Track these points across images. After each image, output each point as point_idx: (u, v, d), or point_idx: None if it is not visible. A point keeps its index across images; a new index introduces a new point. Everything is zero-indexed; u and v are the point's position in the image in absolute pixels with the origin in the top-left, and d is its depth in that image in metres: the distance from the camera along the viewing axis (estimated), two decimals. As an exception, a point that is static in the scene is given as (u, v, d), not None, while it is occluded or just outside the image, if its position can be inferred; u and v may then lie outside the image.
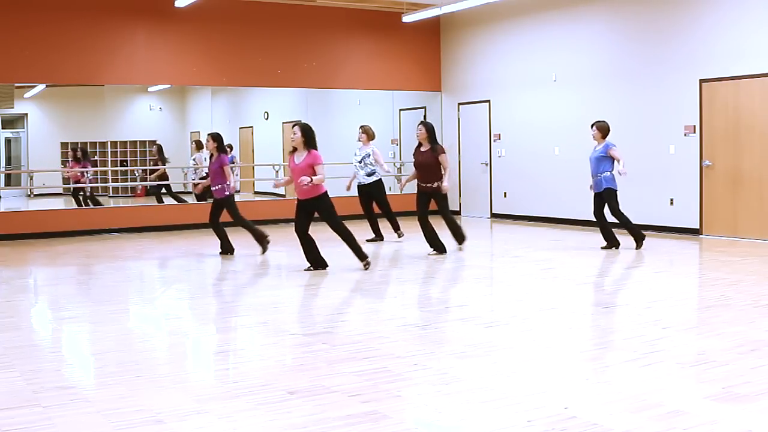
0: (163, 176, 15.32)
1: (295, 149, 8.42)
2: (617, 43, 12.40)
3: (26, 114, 17.51)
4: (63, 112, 17.45)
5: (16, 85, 15.03)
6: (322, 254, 8.62)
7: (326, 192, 8.43)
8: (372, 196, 11.22)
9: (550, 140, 13.51)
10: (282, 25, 14.25)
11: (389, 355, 5.04)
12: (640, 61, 11.99)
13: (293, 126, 8.52)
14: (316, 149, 8.33)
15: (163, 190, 15.33)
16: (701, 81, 11.12)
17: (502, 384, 4.39)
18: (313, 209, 8.43)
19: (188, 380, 4.69)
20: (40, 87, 15.90)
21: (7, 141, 18.28)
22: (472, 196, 15.37)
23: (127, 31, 13.15)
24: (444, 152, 9.71)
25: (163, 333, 6.08)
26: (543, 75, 13.61)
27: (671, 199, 11.64)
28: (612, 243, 9.98)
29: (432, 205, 9.75)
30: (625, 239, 10.10)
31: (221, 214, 10.03)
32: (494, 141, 14.74)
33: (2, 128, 17.96)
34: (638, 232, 10.00)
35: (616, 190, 9.82)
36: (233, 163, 16.48)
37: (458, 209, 15.57)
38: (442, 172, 9.60)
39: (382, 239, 11.25)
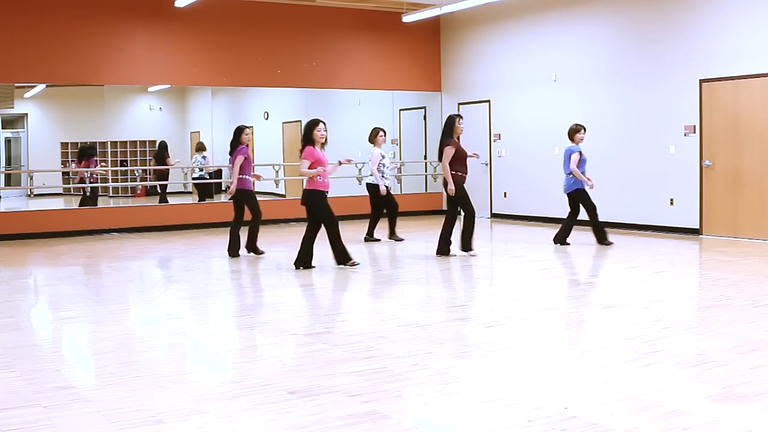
0: (162, 174, 15.35)
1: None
2: (617, 43, 12.40)
3: (26, 114, 17.52)
4: (63, 112, 17.46)
5: (16, 85, 15.03)
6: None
7: None
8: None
9: (550, 140, 13.49)
10: (282, 25, 14.25)
11: (389, 355, 5.04)
12: (640, 61, 11.99)
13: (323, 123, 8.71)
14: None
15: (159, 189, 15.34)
16: (701, 81, 11.12)
17: (502, 384, 4.39)
18: None
19: (188, 380, 4.68)
20: (40, 87, 15.90)
21: (7, 141, 18.29)
22: (472, 196, 15.22)
23: (127, 31, 13.15)
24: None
25: (163, 333, 6.08)
26: (543, 75, 13.61)
27: (671, 199, 11.64)
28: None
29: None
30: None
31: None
32: (494, 141, 14.73)
33: (2, 128, 17.97)
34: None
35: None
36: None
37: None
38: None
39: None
